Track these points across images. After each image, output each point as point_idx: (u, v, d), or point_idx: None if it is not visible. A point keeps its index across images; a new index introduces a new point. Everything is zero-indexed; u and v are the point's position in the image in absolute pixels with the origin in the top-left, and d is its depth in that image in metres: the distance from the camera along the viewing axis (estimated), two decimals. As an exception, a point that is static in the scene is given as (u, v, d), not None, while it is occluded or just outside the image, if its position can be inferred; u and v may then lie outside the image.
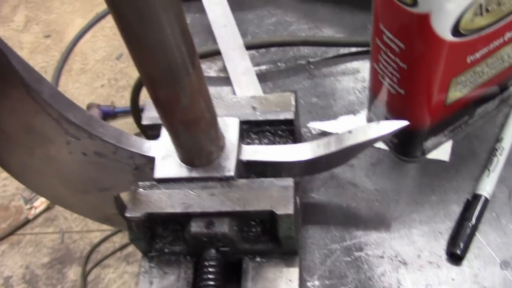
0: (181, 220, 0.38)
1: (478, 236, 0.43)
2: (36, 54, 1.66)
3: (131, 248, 1.30)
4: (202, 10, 0.55)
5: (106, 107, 1.50)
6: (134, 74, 1.60)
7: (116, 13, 0.26)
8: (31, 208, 1.36)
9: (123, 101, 1.54)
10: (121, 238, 1.31)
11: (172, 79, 0.30)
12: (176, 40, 0.28)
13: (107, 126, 0.38)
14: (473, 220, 0.43)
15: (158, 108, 0.33)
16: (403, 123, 0.37)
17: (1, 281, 1.28)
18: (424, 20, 0.33)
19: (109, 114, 1.49)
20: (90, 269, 1.26)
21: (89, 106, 1.50)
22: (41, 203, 1.36)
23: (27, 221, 1.35)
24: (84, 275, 1.25)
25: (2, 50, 0.31)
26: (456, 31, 0.34)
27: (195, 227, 0.37)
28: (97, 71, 1.62)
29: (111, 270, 1.26)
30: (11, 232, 1.34)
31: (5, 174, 1.54)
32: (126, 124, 1.49)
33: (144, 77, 0.30)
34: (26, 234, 1.34)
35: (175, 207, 0.38)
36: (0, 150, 0.39)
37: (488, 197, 0.44)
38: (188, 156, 0.38)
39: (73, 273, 1.27)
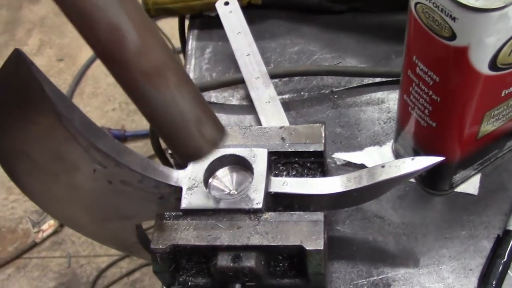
0: (206, 253, 0.37)
1: (511, 274, 0.41)
2: (49, 77, 1.65)
3: (138, 274, 1.28)
4: (225, 39, 0.55)
5: (117, 131, 1.50)
6: (145, 98, 1.60)
7: None
8: (38, 231, 1.35)
9: (134, 125, 1.54)
10: (128, 263, 1.29)
11: None
12: None
13: (134, 154, 0.37)
14: (505, 257, 0.41)
15: None
16: (438, 158, 0.35)
17: (6, 305, 1.26)
18: (461, 53, 0.33)
19: (119, 138, 1.48)
20: (96, 295, 1.24)
21: (100, 130, 1.50)
22: (48, 226, 1.35)
23: (34, 245, 1.34)
24: (90, 301, 1.23)
25: (36, 77, 0.31)
26: (493, 65, 0.34)
27: (222, 260, 0.36)
28: (109, 95, 1.62)
29: (118, 296, 1.24)
30: (18, 256, 1.33)
31: (13, 197, 1.52)
32: (135, 148, 1.48)
33: None
34: (32, 258, 1.33)
35: (201, 240, 0.37)
36: (24, 176, 0.39)
37: (520, 233, 0.43)
38: None
39: (79, 299, 1.25)
